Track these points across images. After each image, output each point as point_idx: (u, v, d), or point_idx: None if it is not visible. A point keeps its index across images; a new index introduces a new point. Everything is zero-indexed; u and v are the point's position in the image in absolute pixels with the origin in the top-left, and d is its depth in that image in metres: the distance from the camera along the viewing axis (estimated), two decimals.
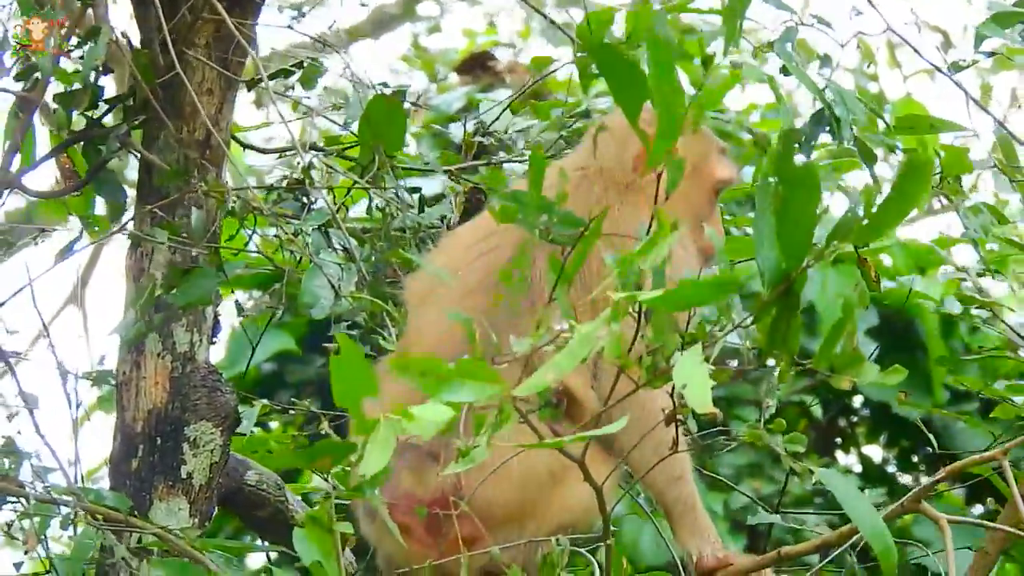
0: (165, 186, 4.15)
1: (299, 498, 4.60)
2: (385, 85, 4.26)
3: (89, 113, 4.17)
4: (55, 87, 4.06)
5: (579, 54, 3.89)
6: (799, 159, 2.50)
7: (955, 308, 7.41)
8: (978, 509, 7.71)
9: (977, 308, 4.28)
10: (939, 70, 3.89)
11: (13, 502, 3.66)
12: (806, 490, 7.11)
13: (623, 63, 2.68)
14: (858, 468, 8.10)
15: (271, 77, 4.17)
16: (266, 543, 4.66)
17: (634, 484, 3.78)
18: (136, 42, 4.20)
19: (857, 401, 8.03)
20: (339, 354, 2.48)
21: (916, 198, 2.48)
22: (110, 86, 6.26)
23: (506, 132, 4.70)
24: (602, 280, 2.66)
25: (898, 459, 8.12)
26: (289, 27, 4.29)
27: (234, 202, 4.07)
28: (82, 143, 4.19)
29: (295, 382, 7.60)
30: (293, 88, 4.35)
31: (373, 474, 2.55)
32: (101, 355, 4.16)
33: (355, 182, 4.18)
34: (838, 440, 8.22)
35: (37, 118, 4.05)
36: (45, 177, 4.39)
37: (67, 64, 4.02)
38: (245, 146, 4.67)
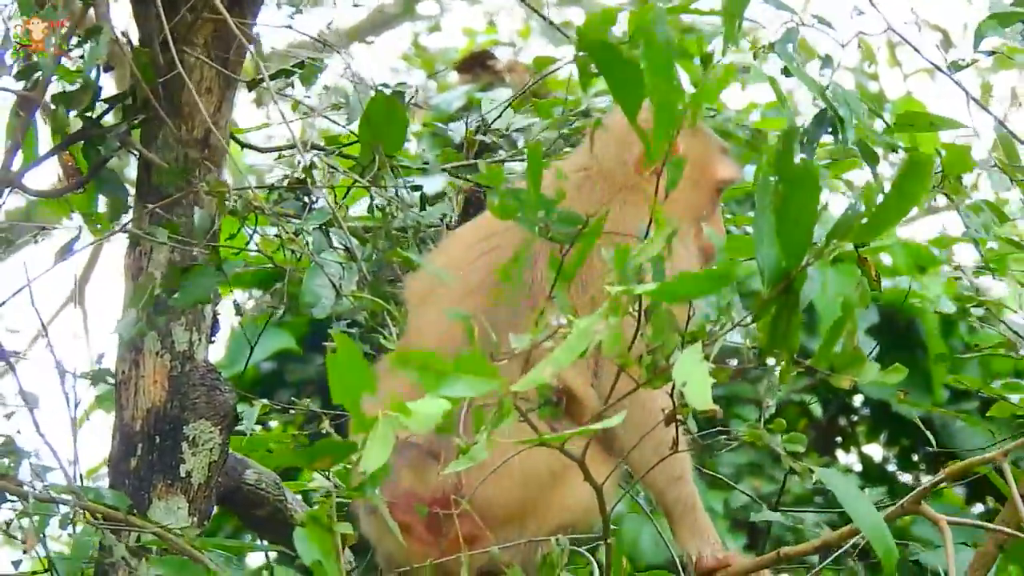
0: (164, 185, 4.15)
1: (298, 497, 4.60)
2: (386, 85, 4.26)
3: (89, 112, 4.16)
4: (56, 86, 4.06)
5: (579, 53, 3.89)
6: (799, 158, 2.50)
7: (949, 308, 7.42)
8: (978, 508, 7.71)
9: (974, 307, 4.28)
10: (939, 69, 3.89)
11: (12, 501, 3.66)
12: (806, 489, 7.11)
13: (622, 62, 2.68)
14: (858, 467, 8.10)
15: (272, 77, 4.17)
16: (265, 542, 4.66)
17: (634, 484, 3.77)
18: (136, 41, 4.20)
19: (857, 400, 8.04)
20: (336, 352, 2.48)
21: (916, 197, 2.48)
22: (110, 85, 6.27)
23: (507, 130, 4.70)
24: (603, 280, 2.66)
25: (898, 458, 8.12)
26: (288, 26, 4.28)
27: (235, 201, 4.07)
28: (82, 142, 4.19)
29: (295, 381, 7.60)
30: (293, 87, 4.35)
31: (373, 472, 2.55)
32: (100, 354, 4.16)
33: (355, 181, 4.18)
34: (838, 439, 8.23)
35: (39, 117, 4.05)
36: (46, 176, 4.39)
37: (68, 63, 4.02)
38: (244, 145, 4.67)
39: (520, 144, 4.89)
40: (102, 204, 4.28)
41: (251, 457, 4.54)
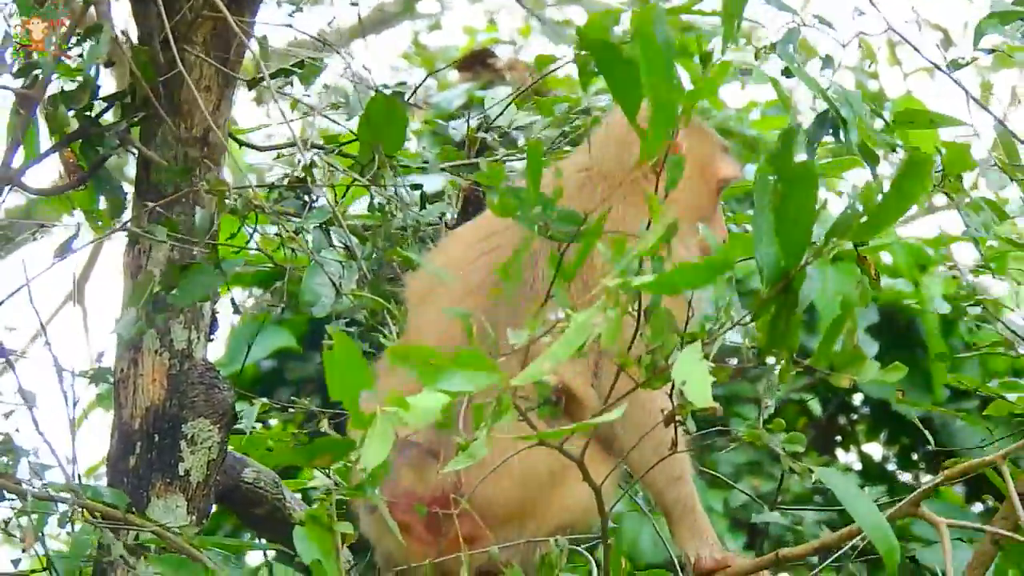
0: (164, 183, 4.15)
1: (297, 495, 4.60)
2: (385, 86, 4.26)
3: (88, 111, 4.16)
4: (55, 84, 4.06)
5: (579, 52, 3.89)
6: (800, 158, 2.50)
7: (944, 309, 7.43)
8: (978, 507, 7.72)
9: (971, 306, 4.27)
10: (938, 68, 3.88)
11: (11, 499, 3.66)
12: (806, 487, 7.11)
13: (622, 62, 2.68)
14: (858, 466, 8.11)
15: (272, 76, 4.17)
16: (263, 540, 4.66)
17: (634, 484, 3.77)
18: (135, 39, 4.20)
19: (857, 399, 8.04)
20: (333, 349, 2.48)
21: (915, 196, 2.48)
22: (109, 83, 6.27)
23: (510, 127, 4.69)
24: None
25: (898, 457, 8.12)
26: (288, 25, 4.28)
27: (234, 200, 4.07)
28: (81, 141, 4.19)
29: (295, 379, 7.60)
30: (292, 85, 4.35)
31: (373, 471, 2.55)
32: (99, 352, 4.16)
33: (354, 179, 4.17)
34: (838, 438, 8.23)
35: (39, 115, 4.05)
36: (46, 174, 4.39)
37: (67, 61, 4.02)
38: (243, 144, 4.67)
39: (520, 143, 4.89)
40: (103, 201, 4.28)
41: (250, 456, 4.54)
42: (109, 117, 4.23)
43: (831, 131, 3.72)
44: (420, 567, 3.48)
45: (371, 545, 3.73)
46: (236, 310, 4.55)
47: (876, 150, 3.72)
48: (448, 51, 9.52)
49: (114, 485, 4.05)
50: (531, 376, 2.53)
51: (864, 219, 2.48)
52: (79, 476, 3.96)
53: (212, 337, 4.28)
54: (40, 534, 3.62)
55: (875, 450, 8.19)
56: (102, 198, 4.25)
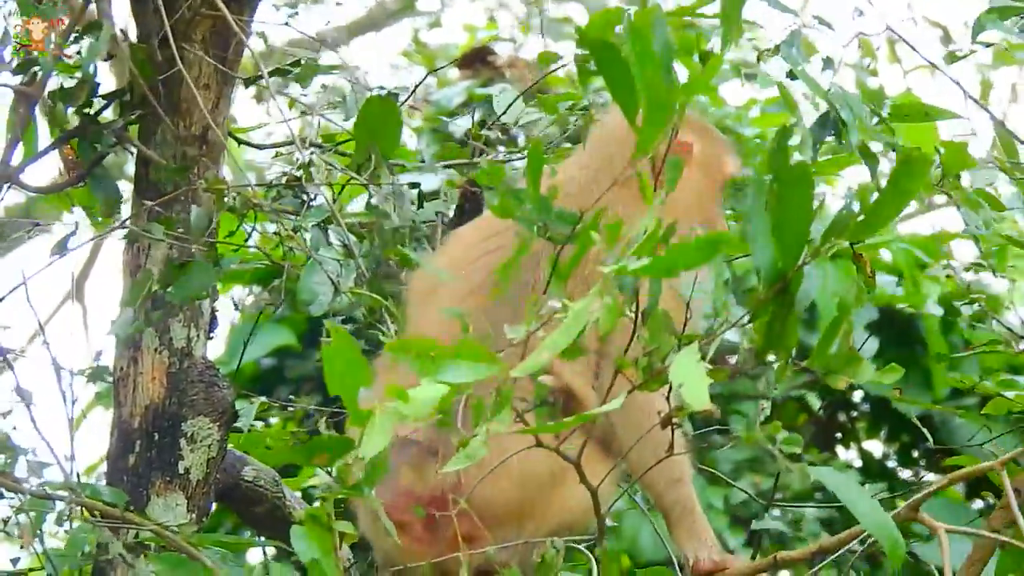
0: (163, 182, 4.15)
1: (297, 494, 4.60)
2: (382, 87, 4.26)
3: (87, 108, 4.16)
4: (54, 81, 4.06)
5: (578, 51, 3.89)
6: (799, 158, 2.50)
7: (938, 311, 7.42)
8: (978, 503, 7.72)
9: (966, 304, 4.27)
10: (934, 66, 3.88)
11: (9, 498, 3.66)
12: (806, 484, 7.12)
13: (621, 62, 2.67)
14: (858, 463, 8.10)
15: (271, 75, 4.17)
16: (263, 539, 4.66)
17: (633, 483, 3.77)
18: (134, 37, 4.20)
19: (857, 396, 8.03)
20: (331, 344, 2.48)
21: (912, 194, 2.48)
22: (109, 81, 6.27)
23: (516, 124, 4.69)
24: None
25: (898, 454, 8.12)
26: (286, 24, 4.28)
27: (233, 198, 4.07)
28: (79, 138, 4.18)
29: (294, 377, 7.60)
30: (288, 86, 4.35)
31: (371, 470, 2.55)
32: (98, 351, 4.16)
33: (351, 178, 4.17)
34: (838, 435, 8.23)
35: (38, 112, 4.05)
36: (46, 172, 4.38)
37: (67, 59, 4.02)
38: (242, 142, 4.67)
39: (521, 141, 4.89)
40: (100, 199, 4.28)
41: (250, 454, 4.54)
42: (109, 115, 4.23)
43: (833, 133, 3.73)
44: (419, 567, 3.47)
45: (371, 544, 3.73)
46: (236, 307, 4.56)
47: (873, 147, 3.72)
48: (448, 49, 9.51)
49: (114, 483, 4.06)
50: (530, 366, 2.53)
51: (861, 218, 2.48)
52: (78, 474, 3.96)
53: (212, 335, 4.28)
54: (38, 532, 3.62)
55: (875, 447, 8.19)
56: (98, 196, 4.25)
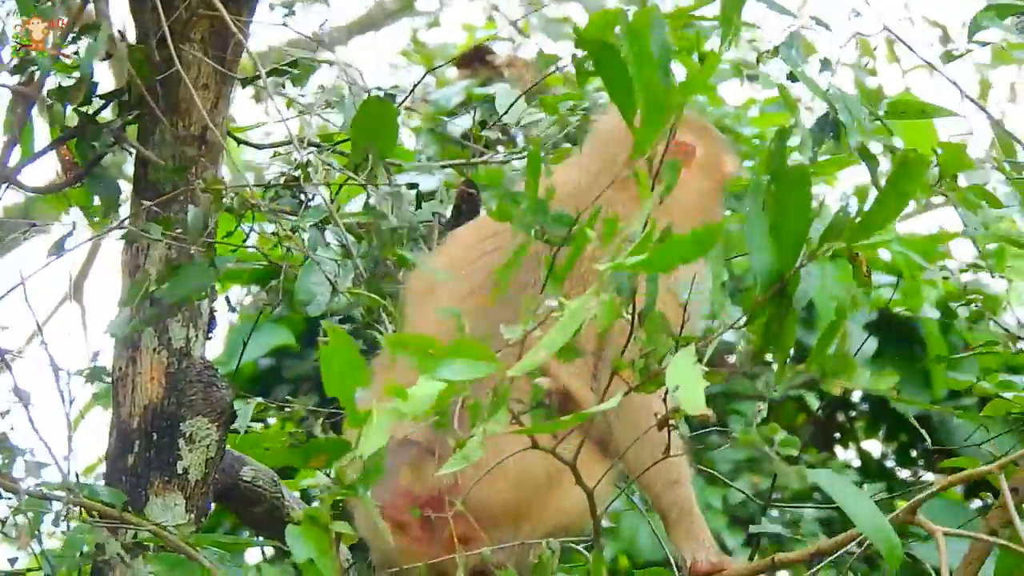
0: (161, 182, 4.15)
1: (296, 494, 4.60)
2: (378, 88, 4.25)
3: (84, 108, 4.16)
4: (52, 81, 4.06)
5: (576, 52, 3.89)
6: (799, 160, 2.50)
7: (934, 315, 7.42)
8: (976, 503, 7.71)
9: (961, 306, 4.27)
10: (931, 66, 3.88)
11: (7, 498, 3.66)
12: (805, 484, 7.11)
13: (619, 62, 2.67)
14: (857, 463, 8.10)
15: (269, 75, 4.17)
16: (261, 539, 4.66)
17: (630, 484, 3.77)
18: (132, 37, 4.19)
19: (856, 396, 8.03)
20: (328, 344, 2.48)
21: (910, 196, 2.47)
22: (107, 81, 6.26)
23: (517, 124, 4.69)
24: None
25: (897, 454, 8.11)
26: (284, 23, 4.28)
27: (231, 198, 4.07)
28: (77, 138, 4.18)
29: (293, 377, 7.59)
30: (284, 87, 4.34)
31: (367, 470, 2.54)
32: (96, 351, 4.16)
33: (349, 178, 4.17)
34: (837, 435, 8.22)
35: (36, 112, 4.05)
36: (44, 172, 4.38)
37: (65, 59, 4.02)
38: (240, 142, 4.67)
39: (520, 141, 4.88)
40: (97, 199, 4.28)
41: (249, 454, 4.54)
42: (107, 115, 4.23)
43: (832, 135, 3.73)
44: (415, 567, 3.47)
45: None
46: (231, 308, 4.55)
47: (872, 147, 3.72)
48: (447, 48, 9.50)
49: (112, 484, 4.06)
50: (528, 365, 2.53)
51: (859, 220, 2.48)
52: (76, 475, 3.96)
53: (210, 335, 4.28)
54: (36, 532, 3.62)
55: (874, 447, 8.19)
56: (97, 196, 4.25)
